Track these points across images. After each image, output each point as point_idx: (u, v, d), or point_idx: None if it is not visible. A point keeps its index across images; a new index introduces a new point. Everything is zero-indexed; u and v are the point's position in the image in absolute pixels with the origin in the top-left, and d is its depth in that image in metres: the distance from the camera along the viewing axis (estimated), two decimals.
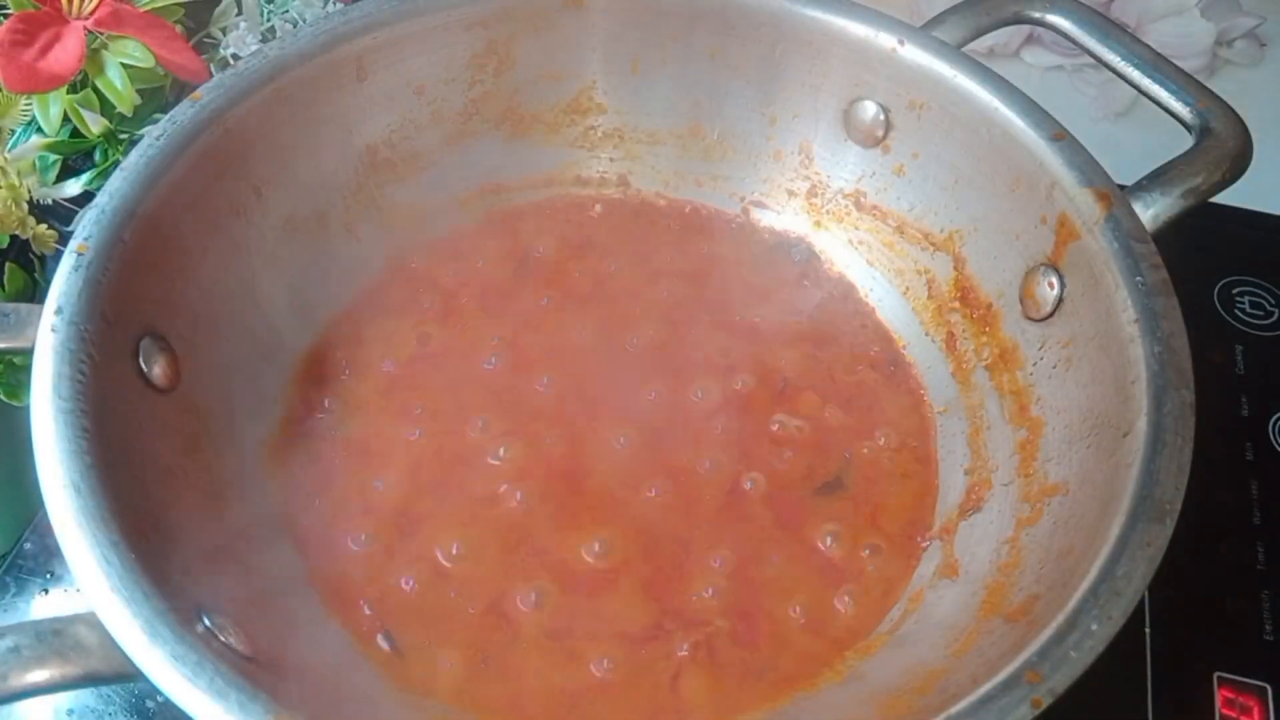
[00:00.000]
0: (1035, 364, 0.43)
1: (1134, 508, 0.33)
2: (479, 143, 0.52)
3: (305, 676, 0.35)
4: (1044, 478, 0.40)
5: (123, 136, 0.50)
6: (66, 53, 0.46)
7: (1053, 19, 0.47)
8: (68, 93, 0.48)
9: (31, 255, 0.48)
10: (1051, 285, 0.43)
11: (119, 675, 0.30)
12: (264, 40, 0.55)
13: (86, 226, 0.37)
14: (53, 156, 0.50)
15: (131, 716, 0.42)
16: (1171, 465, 0.34)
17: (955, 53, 0.46)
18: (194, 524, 0.37)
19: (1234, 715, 0.43)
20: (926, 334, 0.48)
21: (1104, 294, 0.39)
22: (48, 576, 0.46)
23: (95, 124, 0.49)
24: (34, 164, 0.50)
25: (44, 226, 0.47)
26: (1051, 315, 0.42)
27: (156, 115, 0.51)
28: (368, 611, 0.40)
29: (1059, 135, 0.43)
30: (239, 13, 0.55)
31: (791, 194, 0.52)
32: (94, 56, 0.48)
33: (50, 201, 0.50)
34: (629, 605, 0.40)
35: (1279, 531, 0.48)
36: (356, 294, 0.49)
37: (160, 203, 0.39)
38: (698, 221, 0.53)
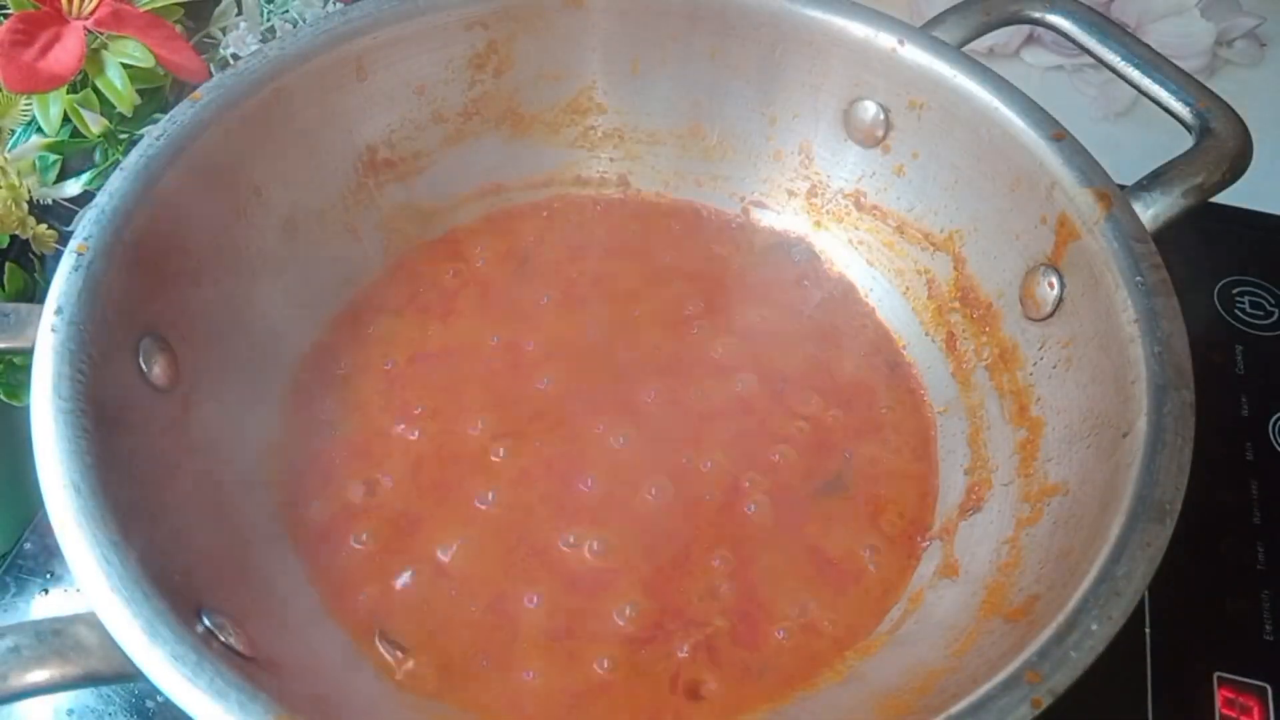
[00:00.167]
0: (1035, 364, 0.43)
1: (1134, 508, 0.33)
2: (479, 143, 0.52)
3: (305, 676, 0.35)
4: (1044, 478, 0.40)
5: (123, 136, 0.50)
6: (66, 53, 0.46)
7: (1053, 19, 0.47)
8: (68, 93, 0.48)
9: (31, 255, 0.48)
10: (1051, 285, 0.43)
11: (119, 675, 0.30)
12: (264, 40, 0.55)
13: (86, 226, 0.37)
14: (53, 156, 0.50)
15: (131, 716, 0.42)
16: (1171, 465, 0.34)
17: (955, 53, 0.46)
18: (194, 524, 0.37)
19: (1234, 715, 0.43)
20: (926, 334, 0.48)
21: (1104, 294, 0.39)
22: (48, 576, 0.46)
23: (95, 124, 0.49)
24: (34, 164, 0.50)
25: (44, 226, 0.47)
26: (1051, 315, 0.42)
27: (156, 115, 0.51)
28: (367, 611, 0.40)
29: (1059, 135, 0.43)
30: (239, 13, 0.55)
31: (791, 194, 0.52)
32: (94, 56, 0.48)
33: (50, 201, 0.50)
34: (629, 605, 0.40)
35: (1279, 531, 0.48)
36: (356, 294, 0.49)
37: (160, 203, 0.39)
38: (698, 221, 0.53)
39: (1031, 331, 0.44)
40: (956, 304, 0.47)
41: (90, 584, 0.30)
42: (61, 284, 0.36)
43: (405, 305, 0.49)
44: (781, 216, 0.53)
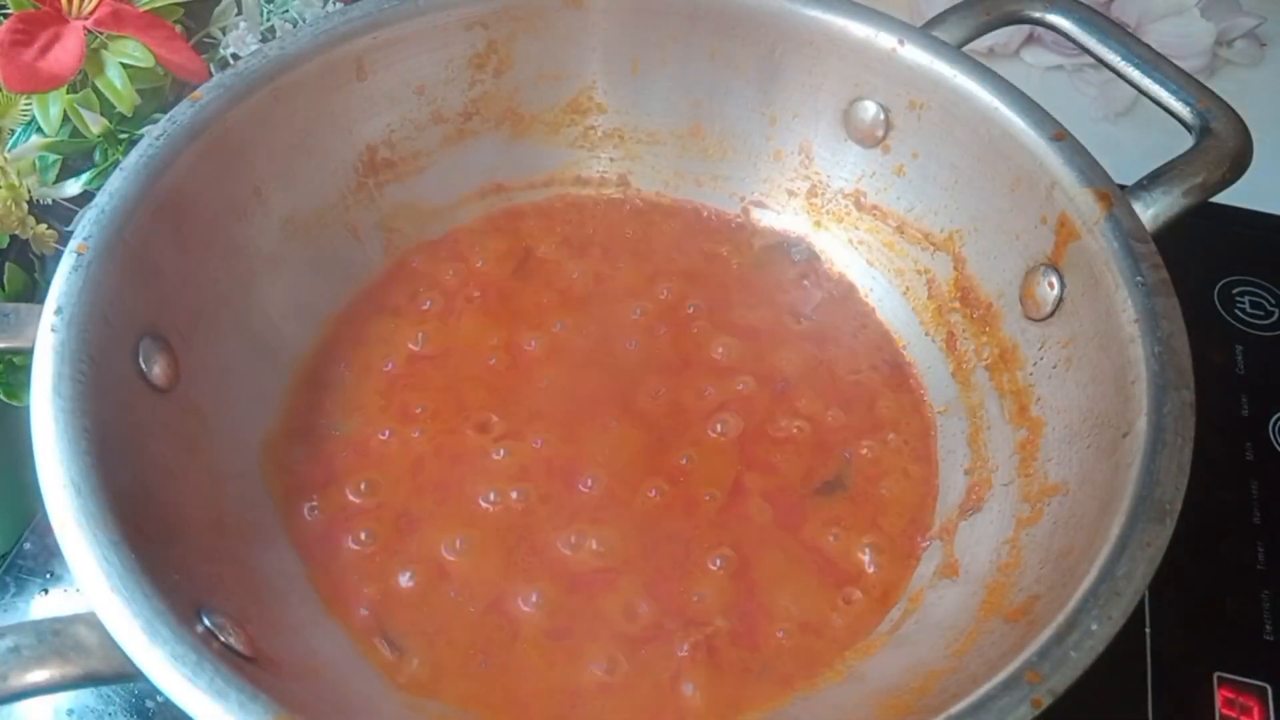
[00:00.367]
0: (1035, 364, 0.43)
1: (1134, 508, 0.33)
2: (479, 143, 0.52)
3: (305, 676, 0.35)
4: (1044, 478, 0.40)
5: (123, 136, 0.50)
6: (66, 52, 0.46)
7: (1053, 19, 0.47)
8: (68, 93, 0.48)
9: (31, 255, 0.48)
10: (1051, 285, 0.43)
11: (119, 675, 0.30)
12: (264, 40, 0.55)
13: (86, 226, 0.37)
14: (53, 156, 0.50)
15: (131, 716, 0.42)
16: (1171, 465, 0.34)
17: (955, 53, 0.46)
18: (194, 524, 0.37)
19: (1234, 715, 0.43)
20: (926, 334, 0.48)
21: (1104, 294, 0.39)
22: (48, 576, 0.46)
23: (95, 124, 0.49)
24: (34, 164, 0.50)
25: (44, 226, 0.47)
26: (1051, 315, 0.42)
27: (156, 115, 0.51)
28: (367, 611, 0.40)
29: (1059, 135, 0.43)
30: (239, 12, 0.55)
31: (791, 194, 0.52)
32: (94, 56, 0.48)
33: (50, 201, 0.50)
34: (629, 605, 0.40)
35: (1279, 531, 0.48)
36: (356, 294, 0.49)
37: (160, 203, 0.39)
38: (698, 221, 0.53)
39: (1031, 331, 0.44)
40: (956, 304, 0.47)
41: (90, 584, 0.30)
42: (61, 284, 0.36)
43: (405, 305, 0.49)
44: (781, 216, 0.53)
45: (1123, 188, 0.42)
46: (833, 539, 0.42)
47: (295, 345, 0.46)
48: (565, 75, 0.52)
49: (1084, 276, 0.41)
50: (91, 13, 0.47)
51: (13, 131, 0.50)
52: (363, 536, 0.41)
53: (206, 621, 0.32)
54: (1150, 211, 0.41)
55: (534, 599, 0.40)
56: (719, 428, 0.45)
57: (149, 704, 0.43)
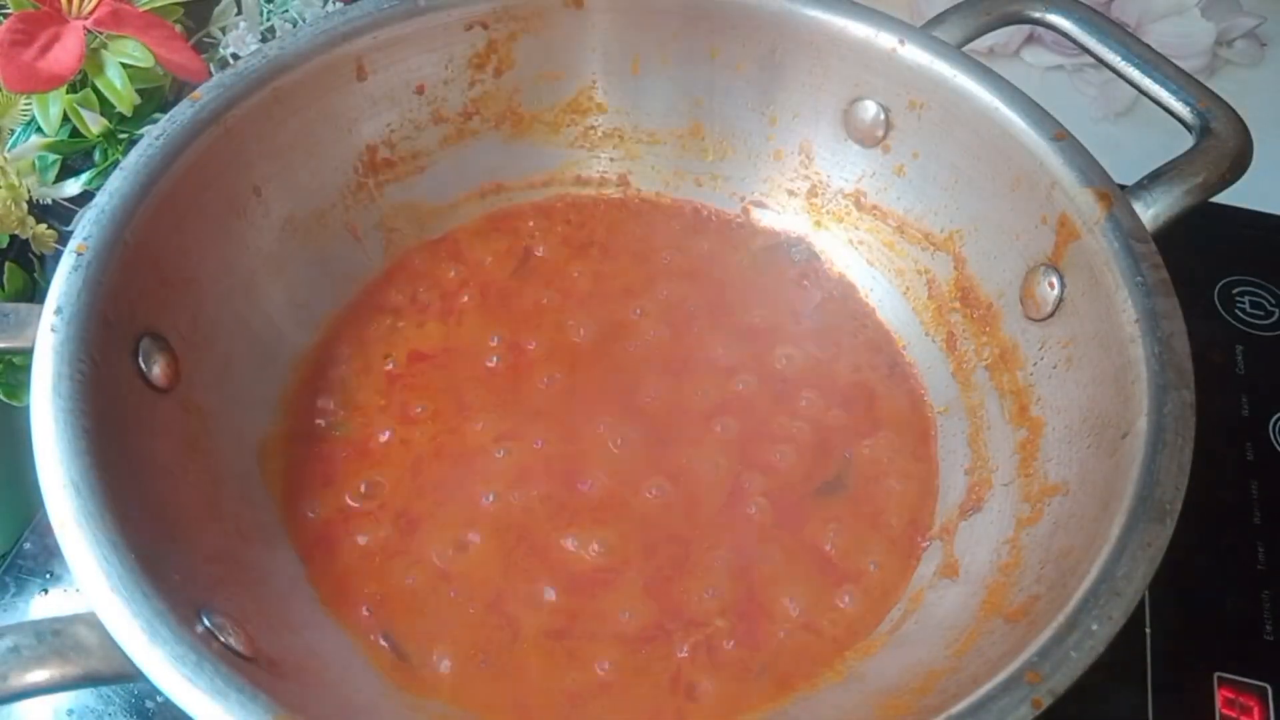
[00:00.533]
0: (1035, 364, 0.43)
1: (1134, 508, 0.33)
2: (479, 143, 0.52)
3: (305, 677, 0.35)
4: (1044, 478, 0.40)
5: (122, 136, 0.50)
6: (66, 52, 0.46)
7: (1053, 19, 0.47)
8: (67, 92, 0.48)
9: (31, 255, 0.48)
10: (1052, 285, 0.43)
11: (119, 675, 0.30)
12: (264, 40, 0.55)
13: (86, 226, 0.37)
14: (52, 156, 0.50)
15: (131, 716, 0.42)
16: (1171, 465, 0.34)
17: (955, 53, 0.46)
18: (194, 524, 0.37)
19: (1234, 715, 0.43)
20: (927, 334, 0.48)
21: (1104, 294, 0.39)
22: (48, 576, 0.46)
23: (95, 124, 0.49)
24: (34, 164, 0.50)
25: (44, 226, 0.47)
26: (1052, 315, 0.42)
27: (156, 115, 0.51)
28: (367, 611, 0.40)
29: (1059, 135, 0.43)
30: (238, 12, 0.55)
31: (791, 194, 0.52)
32: (93, 56, 0.48)
33: (50, 201, 0.50)
34: (629, 605, 0.40)
35: (1279, 531, 0.48)
36: (356, 294, 0.49)
37: (160, 203, 0.39)
38: (698, 221, 0.53)
39: (1032, 331, 0.44)
40: (957, 304, 0.47)
41: (90, 584, 0.30)
42: (61, 284, 0.36)
43: (405, 305, 0.49)
44: (781, 216, 0.53)
45: (1123, 188, 0.42)
46: (833, 539, 0.42)
47: (295, 345, 0.46)
48: (565, 75, 0.52)
49: (1084, 276, 0.41)
50: (91, 13, 0.47)
51: (13, 131, 0.50)
52: (363, 537, 0.41)
53: (206, 621, 0.32)
54: (1150, 211, 0.41)
55: (534, 599, 0.40)
56: (719, 428, 0.45)
57: (149, 704, 0.43)
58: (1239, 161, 0.42)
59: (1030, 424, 0.42)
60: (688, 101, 0.52)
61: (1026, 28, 0.69)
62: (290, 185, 0.46)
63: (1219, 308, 0.57)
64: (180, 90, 0.52)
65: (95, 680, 0.30)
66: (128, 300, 0.37)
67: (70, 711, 0.42)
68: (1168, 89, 0.44)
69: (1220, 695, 0.43)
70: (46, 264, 0.48)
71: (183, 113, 0.41)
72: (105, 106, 0.49)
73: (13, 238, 0.47)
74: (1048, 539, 0.38)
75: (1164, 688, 0.44)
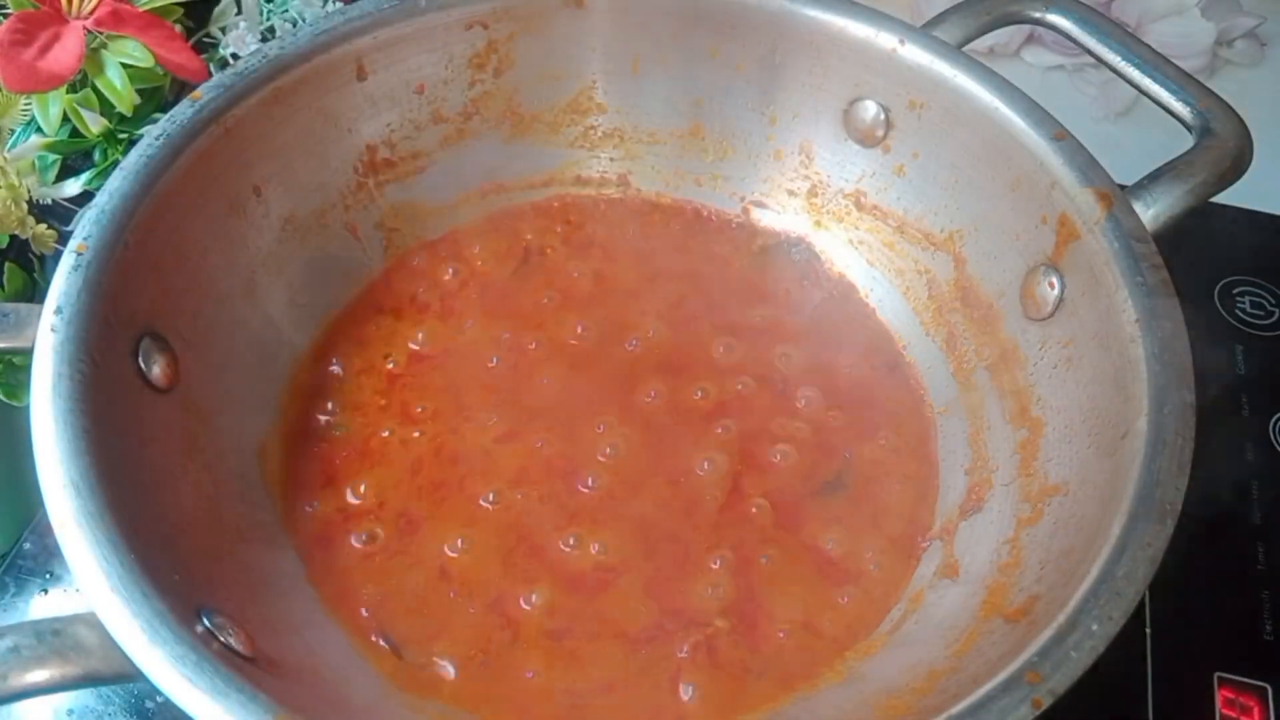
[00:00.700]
0: (1036, 364, 0.43)
1: (1134, 508, 0.33)
2: (479, 143, 0.52)
3: (305, 676, 0.35)
4: (1044, 478, 0.40)
5: (122, 136, 0.50)
6: (66, 52, 0.46)
7: (1053, 19, 0.47)
8: (67, 92, 0.48)
9: (31, 255, 0.48)
10: (1052, 285, 0.43)
11: (119, 675, 0.30)
12: (263, 40, 0.55)
13: (86, 226, 0.37)
14: (52, 156, 0.50)
15: (131, 716, 0.42)
16: (1171, 465, 0.34)
17: (955, 53, 0.46)
18: (194, 524, 0.37)
19: (1234, 715, 0.43)
20: (927, 334, 0.48)
21: (1104, 294, 0.39)
22: (48, 576, 0.46)
23: (95, 124, 0.49)
24: (33, 164, 0.50)
25: (44, 226, 0.47)
26: (1052, 315, 0.42)
27: (156, 115, 0.51)
28: (367, 611, 0.40)
29: (1059, 135, 0.43)
30: (238, 12, 0.55)
31: (792, 194, 0.52)
32: (93, 56, 0.48)
33: (50, 201, 0.50)
34: (629, 605, 0.40)
35: (1279, 531, 0.48)
36: (356, 294, 0.49)
37: (160, 203, 0.39)
38: (698, 221, 0.53)
39: (1032, 331, 0.44)
40: (957, 304, 0.47)
41: (90, 584, 0.30)
42: (61, 284, 0.36)
43: (405, 305, 0.49)
44: (782, 216, 0.53)
45: (1123, 188, 0.42)
46: (833, 539, 0.42)
47: (295, 345, 0.46)
48: (565, 75, 0.52)
49: (1084, 276, 0.41)
50: (91, 13, 0.47)
51: (13, 131, 0.50)
52: (363, 536, 0.41)
53: (206, 621, 0.32)
54: (1150, 211, 0.41)
55: (534, 599, 0.40)
56: (719, 428, 0.45)
57: (149, 704, 0.43)
58: (1239, 161, 0.42)
59: (1030, 424, 0.42)
60: (688, 101, 0.52)
61: (1026, 28, 0.69)
62: (290, 185, 0.46)
63: (1219, 308, 0.57)
64: (180, 90, 0.52)
65: (95, 680, 0.30)
66: (128, 300, 0.37)
67: (70, 711, 0.42)
68: (1168, 89, 0.44)
69: (1220, 695, 0.43)
70: (46, 264, 0.48)
71: (183, 113, 0.41)
72: (105, 106, 0.49)
73: (13, 238, 0.47)
74: (1048, 539, 0.38)
75: (1164, 688, 0.44)
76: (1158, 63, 0.45)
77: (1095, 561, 0.32)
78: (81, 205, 0.49)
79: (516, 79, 0.51)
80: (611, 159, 0.54)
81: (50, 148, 0.50)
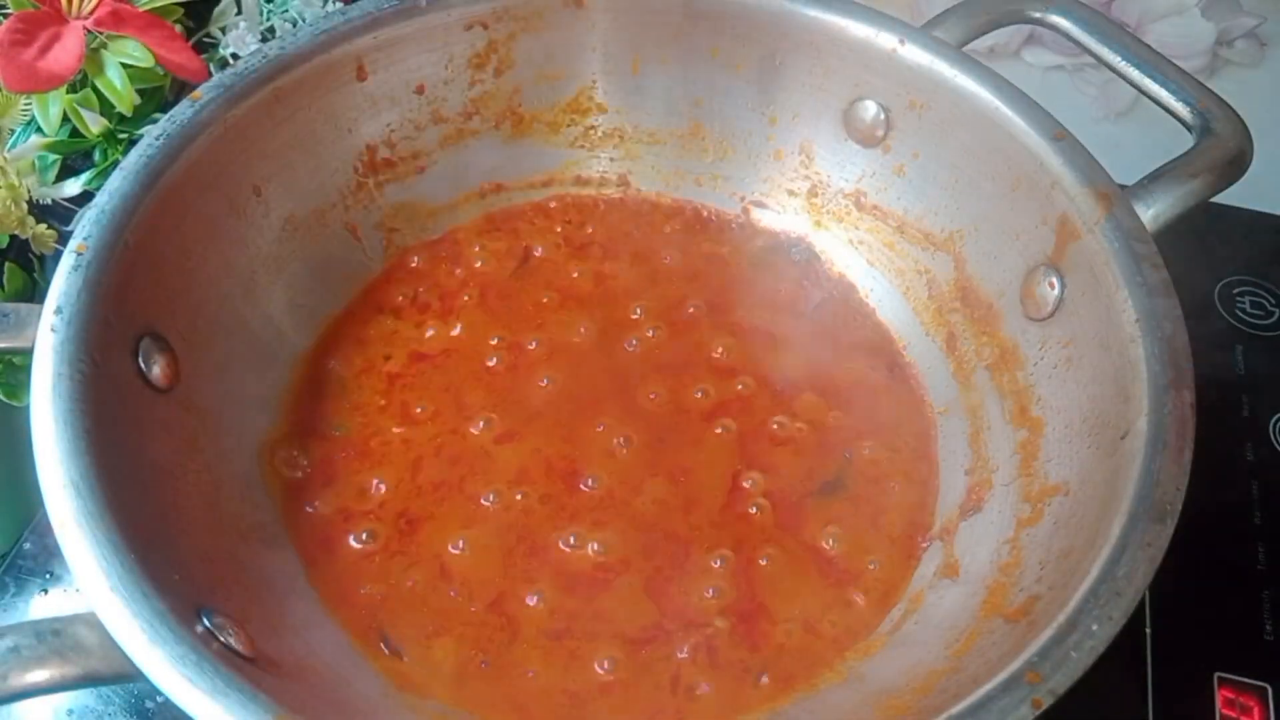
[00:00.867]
0: (1036, 364, 0.43)
1: (1134, 508, 0.33)
2: (479, 143, 0.52)
3: (305, 677, 0.35)
4: (1044, 478, 0.40)
5: (122, 136, 0.50)
6: (66, 52, 0.46)
7: (1053, 19, 0.47)
8: (67, 92, 0.48)
9: (31, 255, 0.48)
10: (1052, 285, 0.43)
11: (119, 675, 0.30)
12: (263, 40, 0.55)
13: (86, 226, 0.37)
14: (52, 156, 0.50)
15: (131, 716, 0.42)
16: (1172, 466, 0.34)
17: (955, 53, 0.46)
18: (194, 524, 0.37)
19: (1234, 715, 0.43)
20: (927, 334, 0.48)
21: (1104, 294, 0.39)
22: (48, 576, 0.46)
23: (95, 124, 0.49)
24: (33, 164, 0.50)
25: (44, 226, 0.47)
26: (1052, 315, 0.42)
27: (156, 115, 0.51)
28: (367, 611, 0.40)
29: (1059, 135, 0.43)
30: (238, 12, 0.55)
31: (792, 194, 0.52)
32: (93, 56, 0.48)
33: (50, 201, 0.50)
34: (629, 605, 0.40)
35: (1279, 531, 0.48)
36: (356, 294, 0.49)
37: (160, 203, 0.39)
38: (698, 221, 0.53)
39: (1032, 331, 0.44)
40: (957, 304, 0.47)
41: (90, 584, 0.30)
42: (61, 284, 0.36)
43: (405, 305, 0.49)
44: (782, 216, 0.53)
45: (1123, 188, 0.42)
46: (833, 539, 0.42)
47: (295, 345, 0.46)
48: (565, 75, 0.52)
49: (1084, 276, 0.41)
50: (91, 13, 0.47)
51: (13, 131, 0.50)
52: (363, 536, 0.41)
53: (206, 621, 0.32)
54: (1150, 211, 0.41)
55: (534, 599, 0.40)
56: (719, 428, 0.45)
57: (149, 704, 0.43)
58: (1239, 161, 0.42)
59: (1030, 424, 0.42)
60: (688, 101, 0.52)
61: (1026, 28, 0.69)
62: (290, 185, 0.46)
63: (1219, 308, 0.57)
64: (180, 90, 0.52)
65: (95, 680, 0.30)
66: (128, 300, 0.37)
67: (70, 711, 0.42)
68: (1168, 89, 0.44)
69: (1220, 695, 0.43)
70: (46, 264, 0.48)
71: (183, 113, 0.41)
72: (105, 106, 0.49)
73: (13, 238, 0.47)
74: (1048, 539, 0.38)
75: (1164, 688, 0.44)
76: (1158, 63, 0.45)
77: (1095, 561, 0.32)
78: (81, 205, 0.49)
79: (516, 79, 0.51)
80: (611, 159, 0.54)
81: (50, 148, 0.50)
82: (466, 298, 0.49)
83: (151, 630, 0.29)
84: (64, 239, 0.47)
